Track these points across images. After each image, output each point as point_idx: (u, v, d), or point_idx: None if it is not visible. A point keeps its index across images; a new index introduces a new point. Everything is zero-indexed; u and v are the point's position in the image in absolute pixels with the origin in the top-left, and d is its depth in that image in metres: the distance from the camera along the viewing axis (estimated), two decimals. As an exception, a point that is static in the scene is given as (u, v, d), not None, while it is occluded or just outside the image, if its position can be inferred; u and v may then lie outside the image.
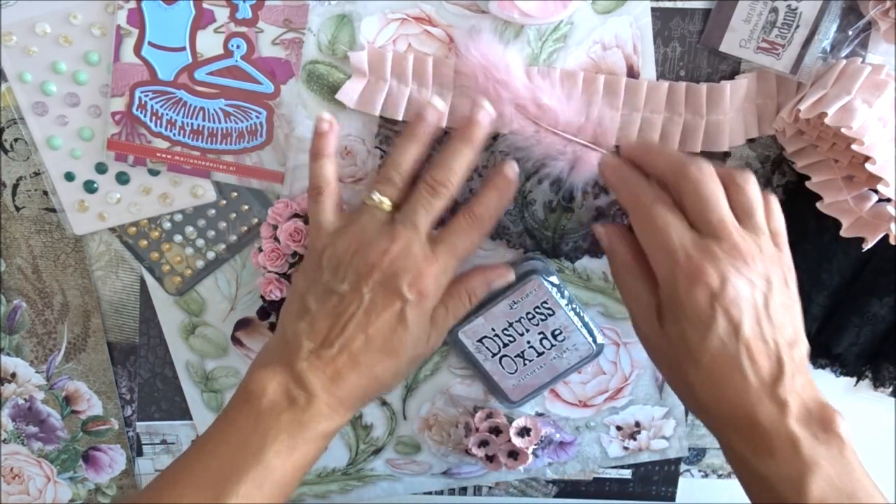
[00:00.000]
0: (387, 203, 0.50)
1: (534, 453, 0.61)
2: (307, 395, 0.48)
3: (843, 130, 0.44)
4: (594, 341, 0.57)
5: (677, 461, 0.65)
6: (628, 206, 0.47)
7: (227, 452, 0.47)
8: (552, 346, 0.57)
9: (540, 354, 0.58)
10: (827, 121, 0.45)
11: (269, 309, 0.59)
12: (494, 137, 0.54)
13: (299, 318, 0.50)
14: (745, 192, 0.45)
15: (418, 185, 0.50)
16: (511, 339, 0.57)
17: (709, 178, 0.44)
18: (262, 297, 0.58)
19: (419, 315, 0.49)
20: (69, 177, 0.56)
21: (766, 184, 0.55)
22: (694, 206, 0.44)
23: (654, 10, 0.51)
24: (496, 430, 0.61)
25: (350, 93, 0.53)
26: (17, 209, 0.57)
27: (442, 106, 0.51)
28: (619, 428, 0.63)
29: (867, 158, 0.45)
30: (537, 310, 0.56)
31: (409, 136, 0.50)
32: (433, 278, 0.49)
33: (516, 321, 0.57)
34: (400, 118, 0.53)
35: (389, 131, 0.54)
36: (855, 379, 0.57)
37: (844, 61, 0.48)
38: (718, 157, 0.54)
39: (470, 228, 0.50)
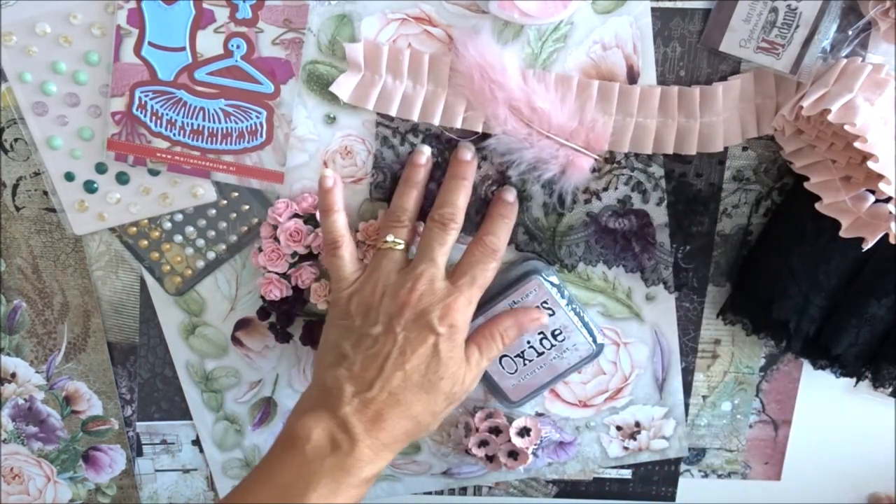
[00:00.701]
0: (401, 243, 0.53)
1: (534, 453, 0.61)
2: (350, 439, 0.49)
3: (846, 127, 0.44)
4: (594, 341, 0.57)
5: (677, 461, 0.65)
6: None
7: (271, 496, 0.48)
8: (552, 346, 0.57)
9: (540, 354, 0.58)
10: (830, 118, 0.45)
11: (269, 309, 0.59)
12: (486, 136, 0.53)
13: (337, 364, 0.51)
14: None
15: (428, 223, 0.53)
16: (511, 339, 0.57)
17: None
18: (262, 297, 0.58)
19: (452, 348, 0.51)
20: (69, 177, 0.56)
21: (764, 185, 0.55)
22: None
23: (654, 10, 0.51)
24: (496, 430, 0.61)
25: (344, 86, 0.53)
26: (17, 209, 0.57)
27: (429, 151, 0.54)
28: (619, 428, 0.63)
29: (867, 158, 0.45)
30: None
31: (408, 183, 0.54)
32: (460, 310, 0.51)
33: (516, 321, 0.57)
34: (394, 114, 0.53)
35: (388, 130, 0.54)
36: (855, 379, 0.57)
37: (845, 60, 0.48)
38: (716, 158, 0.54)
39: (484, 258, 0.53)
